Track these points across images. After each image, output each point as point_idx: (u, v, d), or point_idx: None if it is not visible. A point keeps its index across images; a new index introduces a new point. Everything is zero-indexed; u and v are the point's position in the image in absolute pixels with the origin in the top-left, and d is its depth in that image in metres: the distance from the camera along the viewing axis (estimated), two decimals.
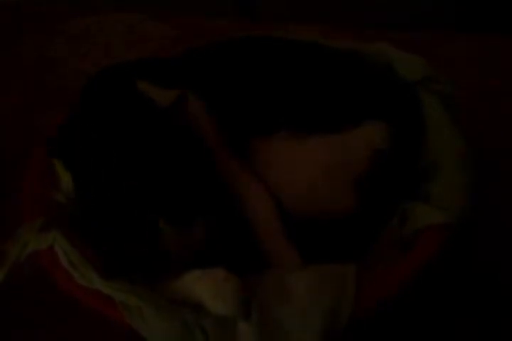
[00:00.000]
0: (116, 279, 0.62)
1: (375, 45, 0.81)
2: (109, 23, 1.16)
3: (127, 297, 0.60)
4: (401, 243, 0.67)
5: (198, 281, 0.60)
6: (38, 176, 0.74)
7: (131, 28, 1.14)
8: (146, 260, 0.63)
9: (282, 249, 0.67)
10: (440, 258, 0.65)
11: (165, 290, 0.62)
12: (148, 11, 1.17)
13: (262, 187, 0.69)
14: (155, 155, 0.62)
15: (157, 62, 0.78)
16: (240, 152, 0.70)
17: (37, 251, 0.66)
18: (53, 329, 0.73)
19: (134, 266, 0.64)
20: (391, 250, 0.67)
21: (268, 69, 0.74)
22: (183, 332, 0.59)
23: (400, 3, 1.15)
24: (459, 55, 1.02)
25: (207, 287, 0.60)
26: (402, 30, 1.02)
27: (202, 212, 0.64)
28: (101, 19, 1.17)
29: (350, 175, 0.68)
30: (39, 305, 0.75)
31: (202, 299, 0.60)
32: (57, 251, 0.65)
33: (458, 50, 1.03)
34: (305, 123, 0.70)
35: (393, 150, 0.70)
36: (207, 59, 0.77)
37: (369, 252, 0.68)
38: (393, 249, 0.67)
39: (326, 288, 0.61)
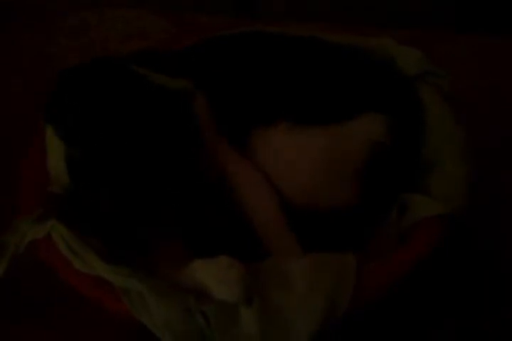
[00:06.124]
0: (118, 265, 0.61)
1: (376, 40, 0.81)
2: (108, 18, 1.15)
3: (129, 281, 0.60)
4: (400, 234, 0.67)
5: (202, 269, 0.60)
6: (35, 169, 0.74)
7: (130, 24, 1.14)
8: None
9: (283, 239, 0.67)
10: (438, 249, 0.65)
11: (168, 279, 0.61)
12: (147, 7, 1.17)
13: (262, 177, 0.69)
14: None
15: (157, 55, 0.78)
16: (241, 142, 0.70)
17: (34, 241, 0.66)
18: (52, 325, 0.72)
19: (141, 249, 0.64)
20: (390, 241, 0.67)
21: (269, 62, 0.74)
22: (185, 317, 0.58)
23: (400, 3, 1.15)
24: (459, 55, 1.03)
25: (211, 274, 0.60)
26: (401, 29, 1.02)
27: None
28: (100, 15, 1.16)
29: (350, 166, 0.69)
30: (38, 301, 0.74)
31: (206, 285, 0.60)
32: (55, 239, 0.64)
33: (458, 50, 1.04)
34: (305, 114, 0.70)
35: (393, 142, 0.70)
36: (207, 51, 0.77)
37: (368, 243, 0.68)
38: (392, 240, 0.67)
39: (326, 276, 0.61)
